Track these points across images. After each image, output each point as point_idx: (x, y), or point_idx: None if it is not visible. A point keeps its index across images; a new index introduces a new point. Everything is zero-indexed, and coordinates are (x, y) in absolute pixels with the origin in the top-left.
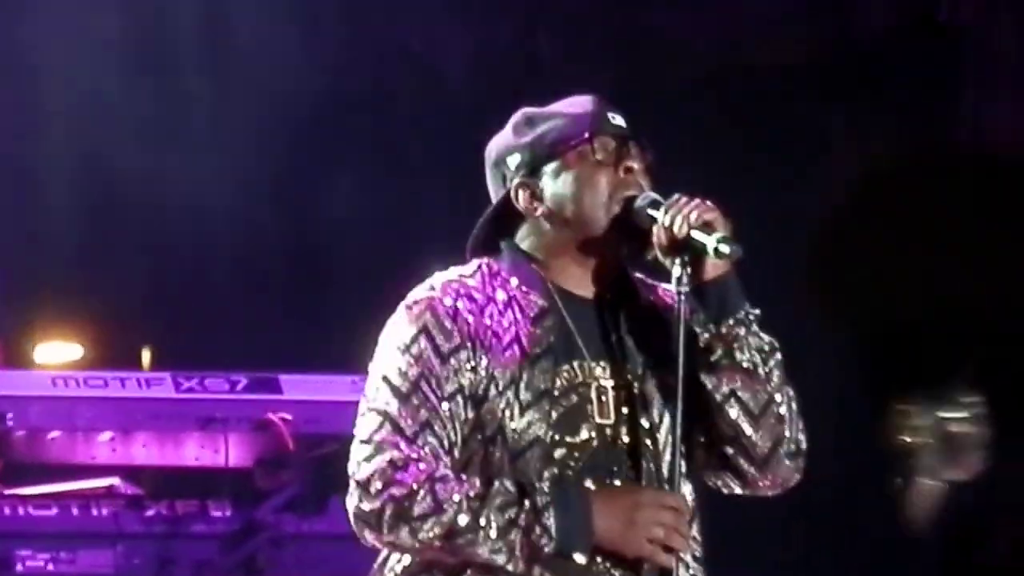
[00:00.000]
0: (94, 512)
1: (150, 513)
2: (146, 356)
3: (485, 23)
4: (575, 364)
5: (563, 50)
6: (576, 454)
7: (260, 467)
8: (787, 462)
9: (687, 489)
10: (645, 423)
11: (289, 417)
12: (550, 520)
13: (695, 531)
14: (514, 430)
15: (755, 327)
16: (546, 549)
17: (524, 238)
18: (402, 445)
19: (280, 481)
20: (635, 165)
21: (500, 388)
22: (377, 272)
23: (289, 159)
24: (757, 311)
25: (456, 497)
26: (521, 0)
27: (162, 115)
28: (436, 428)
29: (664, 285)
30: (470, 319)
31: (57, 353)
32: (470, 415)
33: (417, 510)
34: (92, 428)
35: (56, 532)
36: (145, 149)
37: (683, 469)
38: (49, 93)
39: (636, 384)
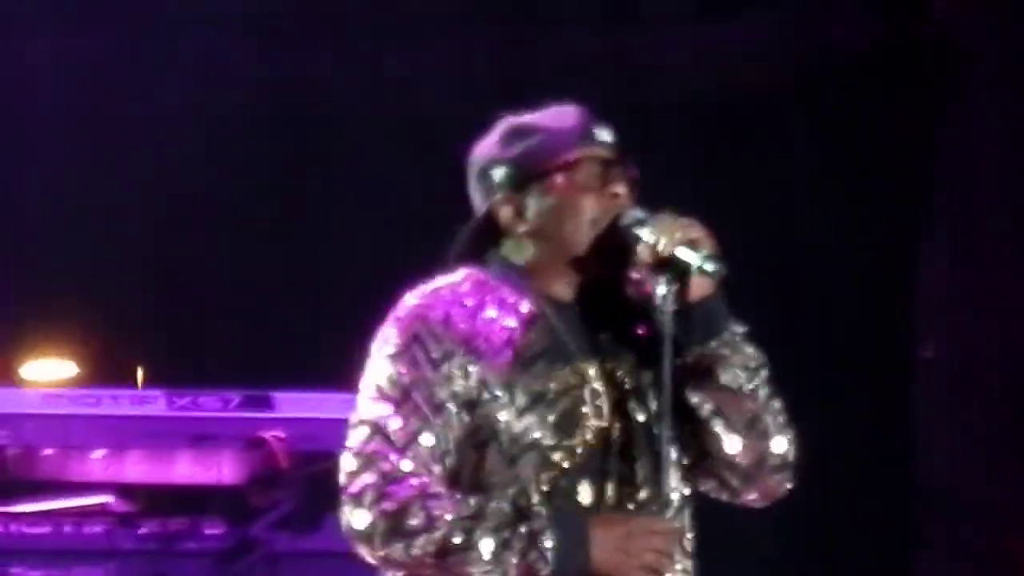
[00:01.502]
0: (87, 529)
1: (143, 531)
2: (140, 374)
3: (464, 44)
4: (567, 368)
5: (544, 76)
6: (572, 457)
7: (253, 485)
8: (773, 476)
9: (679, 481)
10: (641, 418)
11: (282, 435)
12: (547, 544)
13: (687, 522)
14: (510, 435)
15: (740, 345)
16: (542, 573)
17: (508, 250)
18: (392, 457)
19: (273, 499)
20: (621, 190)
21: (494, 393)
22: (370, 289)
23: (282, 176)
24: (743, 329)
25: (450, 515)
26: (502, 25)
27: (155, 134)
28: (427, 437)
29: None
30: (462, 325)
31: (50, 370)
32: (465, 420)
33: (410, 525)
34: (85, 446)
35: (49, 549)
36: (138, 166)
37: (670, 467)
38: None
39: (628, 382)
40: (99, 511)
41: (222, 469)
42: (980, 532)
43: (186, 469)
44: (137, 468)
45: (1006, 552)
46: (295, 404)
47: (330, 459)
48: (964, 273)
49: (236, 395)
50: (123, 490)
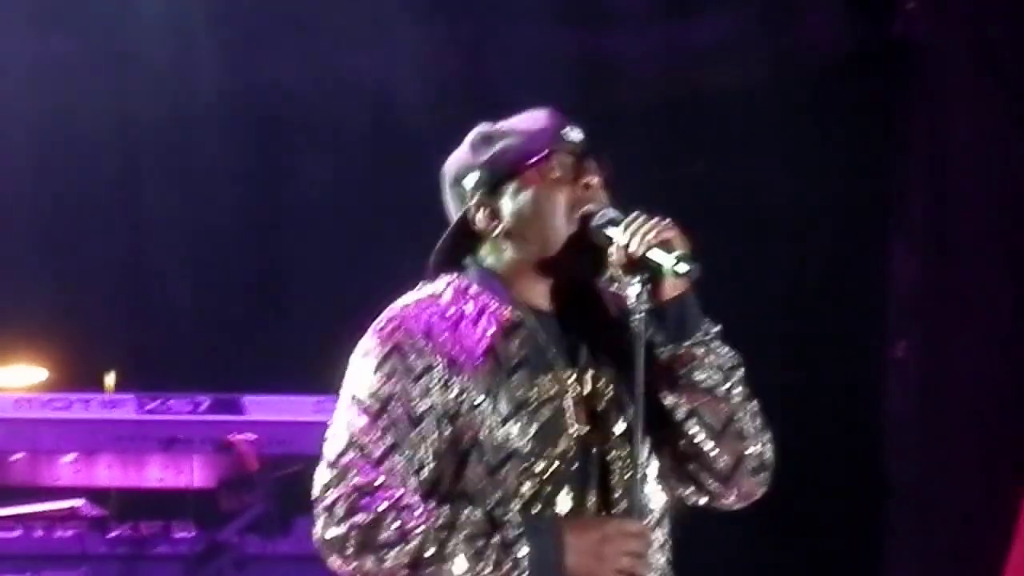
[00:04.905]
0: (58, 534)
1: (114, 535)
2: (110, 378)
3: (433, 47)
4: (548, 376)
5: (512, 75)
6: (554, 466)
7: (224, 488)
8: (750, 477)
9: (657, 491)
10: (619, 429)
11: (252, 438)
12: (521, 553)
13: (665, 533)
14: (492, 443)
15: (715, 344)
16: None
17: (486, 256)
18: (367, 469)
19: (244, 502)
20: (593, 181)
21: (476, 402)
22: (340, 292)
23: (251, 180)
24: (718, 328)
25: (422, 527)
26: (469, 24)
27: (121, 139)
28: (404, 450)
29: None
30: (443, 336)
31: (21, 376)
32: (445, 432)
33: (382, 538)
34: (55, 450)
35: (20, 554)
36: (109, 171)
37: (648, 477)
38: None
39: (610, 391)
40: (70, 515)
41: (192, 473)
42: (949, 529)
43: (156, 473)
44: (107, 472)
45: (975, 548)
46: (265, 407)
47: (300, 462)
48: (936, 272)
49: (206, 398)
50: (94, 494)
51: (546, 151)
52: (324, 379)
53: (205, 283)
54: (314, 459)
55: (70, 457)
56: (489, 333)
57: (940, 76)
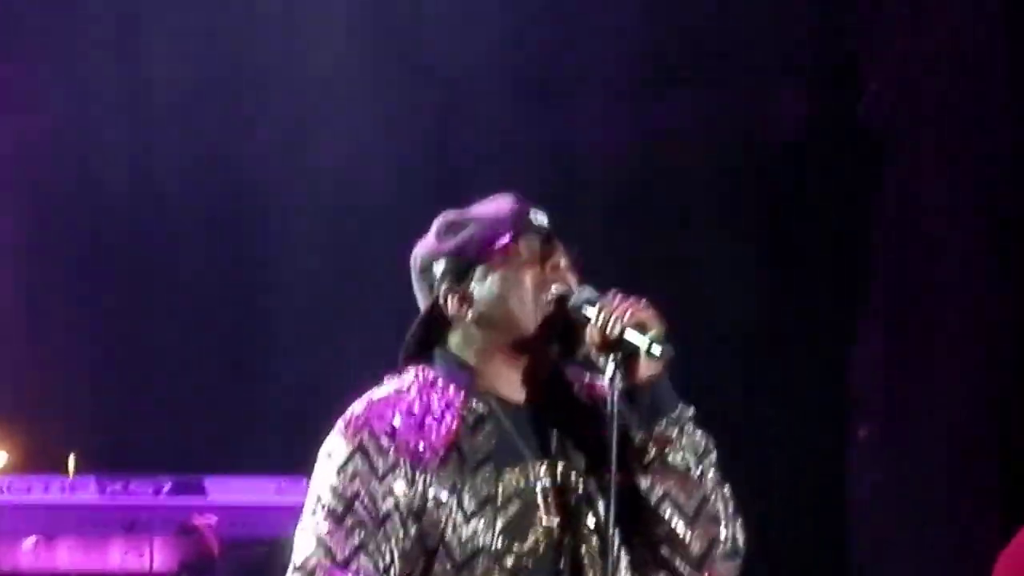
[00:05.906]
0: None
1: None
2: (71, 461)
3: (401, 127)
4: (517, 469)
5: (475, 158)
6: (523, 560)
7: (185, 571)
8: (723, 562)
9: None
10: (591, 522)
11: (214, 520)
12: None
13: None
14: (459, 540)
15: (689, 427)
16: None
17: (455, 344)
18: (334, 571)
19: None
20: (560, 263)
21: (441, 500)
22: (303, 375)
23: (213, 260)
24: (691, 410)
25: None
26: (433, 105)
27: (82, 214)
28: (370, 550)
29: (601, 380)
30: (408, 433)
31: None
32: (410, 531)
33: None
34: (16, 533)
35: None
36: (73, 253)
37: (621, 568)
38: None
39: (580, 483)
40: None
41: (154, 556)
42: None
43: (118, 556)
44: (69, 556)
45: None
46: (227, 489)
47: (262, 545)
48: (899, 350)
49: (168, 481)
50: None
51: (511, 235)
52: (286, 461)
53: (168, 365)
54: (276, 541)
55: (31, 541)
56: (453, 428)
57: (906, 159)
